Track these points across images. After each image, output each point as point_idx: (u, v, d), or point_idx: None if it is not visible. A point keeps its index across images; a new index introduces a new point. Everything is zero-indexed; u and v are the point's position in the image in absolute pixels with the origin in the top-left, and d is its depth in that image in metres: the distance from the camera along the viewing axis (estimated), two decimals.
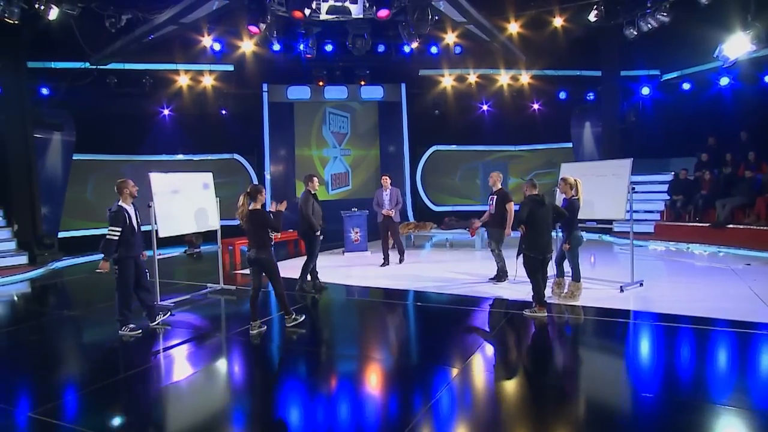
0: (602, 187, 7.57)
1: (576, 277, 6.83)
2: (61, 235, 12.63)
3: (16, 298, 8.57)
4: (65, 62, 11.89)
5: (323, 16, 7.80)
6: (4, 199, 11.52)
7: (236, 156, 16.16)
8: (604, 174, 7.63)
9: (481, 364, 4.74)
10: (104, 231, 5.89)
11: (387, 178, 9.69)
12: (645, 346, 5.28)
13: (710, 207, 11.47)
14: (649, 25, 9.68)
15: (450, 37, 12.40)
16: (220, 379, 4.80)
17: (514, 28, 11.68)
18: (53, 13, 8.92)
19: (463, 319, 6.47)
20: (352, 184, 17.13)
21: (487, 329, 6.03)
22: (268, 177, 16.10)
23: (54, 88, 12.29)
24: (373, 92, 16.89)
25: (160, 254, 7.16)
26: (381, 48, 14.47)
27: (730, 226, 10.88)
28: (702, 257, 10.19)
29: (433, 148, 17.32)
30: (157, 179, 7.07)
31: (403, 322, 6.59)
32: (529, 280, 6.26)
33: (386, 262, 9.75)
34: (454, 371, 4.52)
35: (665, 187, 12.94)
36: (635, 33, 10.12)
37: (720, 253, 10.26)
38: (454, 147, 17.33)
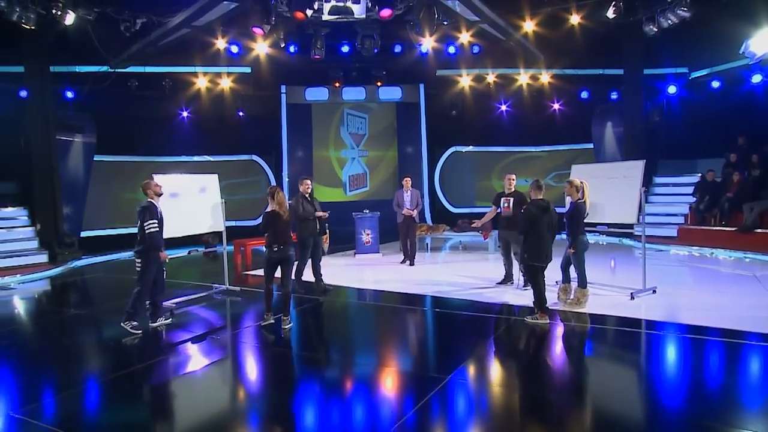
0: (613, 189, 7.27)
1: (582, 283, 6.58)
2: (83, 234, 12.97)
3: (32, 295, 8.79)
4: (87, 66, 12.15)
5: (326, 17, 7.75)
6: (28, 199, 11.89)
7: (255, 157, 16.28)
8: (616, 176, 7.32)
9: (470, 373, 4.58)
10: (123, 231, 6.01)
11: (408, 179, 9.85)
12: (649, 359, 5.02)
13: (737, 210, 10.94)
14: (670, 21, 9.30)
15: (465, 37, 12.18)
16: (197, 384, 4.78)
17: (530, 26, 11.41)
18: (69, 18, 9.14)
19: (462, 325, 6.31)
20: (369, 186, 17.05)
21: (485, 336, 5.83)
22: (286, 179, 16.16)
23: (76, 91, 12.61)
24: (392, 93, 16.78)
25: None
26: (398, 48, 14.39)
27: (758, 230, 10.35)
28: (726, 263, 9.72)
29: (452, 149, 17.09)
30: (160, 181, 7.11)
31: (397, 327, 6.46)
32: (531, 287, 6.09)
33: (407, 258, 10.00)
34: (441, 380, 4.38)
35: (691, 189, 12.42)
36: (655, 29, 9.74)
37: (746, 259, 9.77)
38: (473, 148, 17.06)
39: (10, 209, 11.71)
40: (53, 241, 11.22)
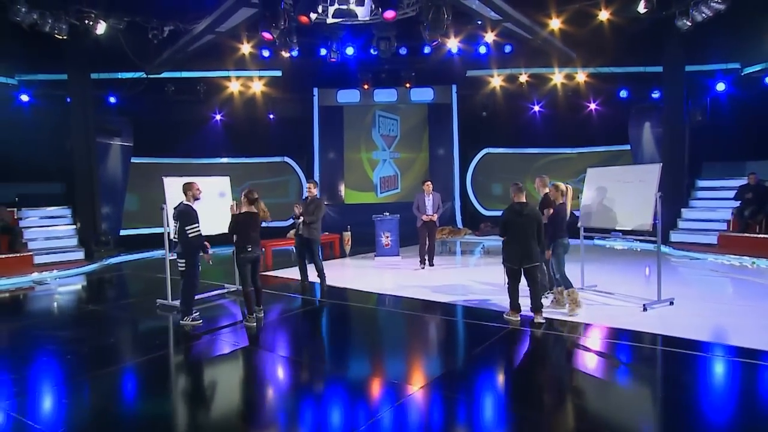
0: (628, 194, 6.89)
1: (566, 285, 6.44)
2: (123, 233, 13.62)
3: (61, 290, 9.28)
4: (125, 73, 12.72)
5: (330, 20, 7.75)
6: (72, 199, 12.60)
7: (287, 159, 16.56)
8: (630, 180, 6.92)
9: (444, 383, 4.42)
10: (160, 230, 6.37)
11: (430, 183, 9.82)
12: (645, 377, 4.69)
13: None
14: (703, 15, 8.70)
15: (490, 36, 11.91)
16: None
17: (556, 24, 11.00)
18: (101, 28, 9.59)
19: (455, 333, 6.17)
20: (401, 188, 16.97)
21: (474, 345, 5.64)
22: (317, 180, 16.34)
23: (115, 96, 13.25)
24: (423, 94, 16.66)
25: (172, 255, 7.44)
26: (427, 49, 14.24)
27: None
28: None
29: (485, 150, 16.74)
30: (169, 183, 7.34)
31: (387, 332, 6.40)
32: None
33: (423, 264, 9.94)
34: (411, 389, 4.26)
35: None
36: (689, 23, 9.15)
37: None
38: (505, 149, 16.65)
39: (54, 209, 12.43)
40: (90, 239, 11.82)
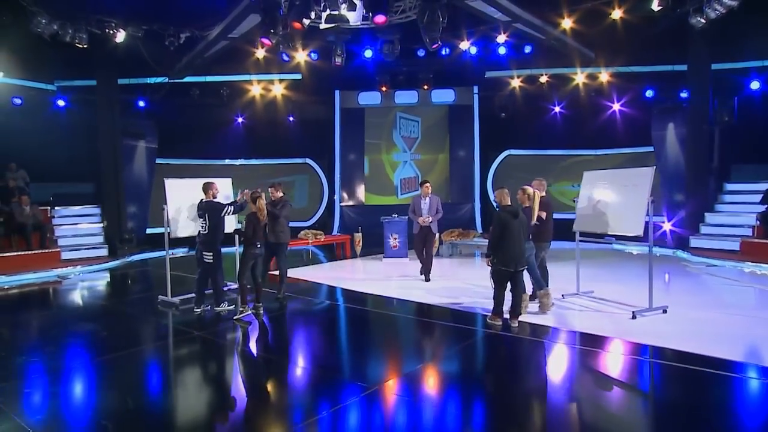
0: (620, 198, 6.70)
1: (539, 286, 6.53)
2: (149, 231, 14.23)
3: (81, 285, 9.81)
4: (149, 78, 13.28)
5: (323, 26, 7.87)
6: (101, 199, 13.27)
7: (308, 160, 16.85)
8: (624, 184, 6.73)
9: (403, 384, 4.46)
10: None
11: (429, 184, 8.96)
12: (602, 385, 4.57)
13: None
14: (717, 12, 8.33)
15: (501, 38, 11.78)
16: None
17: (569, 23, 10.75)
18: (120, 37, 10.06)
19: (433, 334, 6.20)
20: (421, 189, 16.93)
21: (447, 348, 5.64)
22: (338, 182, 16.55)
23: (142, 100, 13.88)
24: (444, 96, 16.60)
25: (172, 254, 7.76)
26: (445, 51, 14.16)
27: None
28: None
29: (506, 152, 16.52)
30: (171, 184, 7.65)
31: (363, 333, 6.50)
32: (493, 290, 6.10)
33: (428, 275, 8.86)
34: (369, 390, 4.32)
35: None
36: (703, 21, 8.77)
37: None
38: (527, 151, 16.37)
39: (84, 207, 13.12)
40: (115, 236, 12.41)
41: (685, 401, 4.14)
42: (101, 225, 12.81)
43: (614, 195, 6.79)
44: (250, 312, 6.75)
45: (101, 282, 10.14)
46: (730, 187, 12.46)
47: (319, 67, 14.13)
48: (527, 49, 13.82)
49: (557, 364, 5.12)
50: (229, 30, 10.26)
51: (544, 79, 14.61)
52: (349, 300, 7.94)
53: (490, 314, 6.17)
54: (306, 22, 7.36)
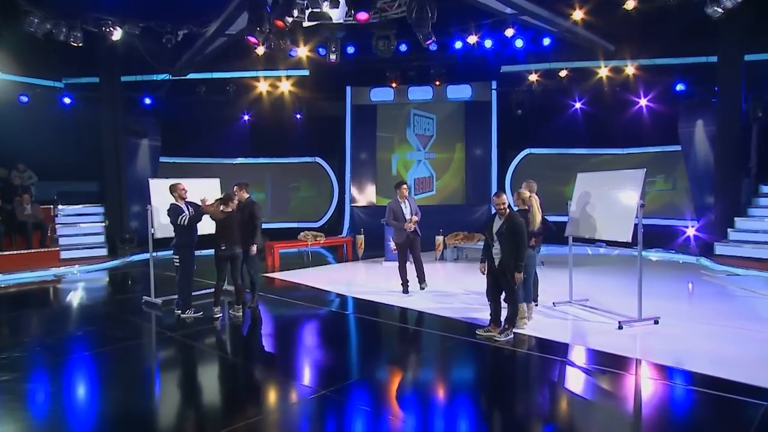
0: (612, 202, 6.71)
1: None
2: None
3: (76, 285, 10.37)
4: (150, 75, 13.85)
5: (306, 23, 8.11)
6: (104, 198, 13.93)
7: (318, 159, 17.18)
8: (616, 187, 6.72)
9: (353, 389, 4.65)
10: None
11: (405, 186, 8.64)
12: (562, 395, 4.65)
13: None
14: (733, 2, 8.19)
15: (509, 31, 11.84)
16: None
17: (585, 14, 10.70)
18: (117, 34, 10.58)
19: (405, 340, 6.42)
20: (435, 190, 17.06)
21: (420, 356, 5.81)
22: (348, 182, 16.80)
23: (145, 98, 14.50)
24: (460, 91, 16.64)
25: (155, 255, 8.18)
26: (458, 44, 14.23)
27: None
28: None
29: (526, 151, 16.46)
30: (155, 184, 8.06)
31: (330, 336, 6.74)
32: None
33: (407, 286, 8.48)
34: (321, 393, 4.54)
35: None
36: (720, 11, 8.63)
37: None
38: (548, 150, 16.26)
39: (88, 206, 13.77)
40: (116, 236, 13.01)
41: (626, 411, 4.20)
42: (103, 224, 13.44)
43: (605, 198, 6.80)
44: (219, 314, 7.04)
45: (95, 282, 10.69)
46: (766, 189, 12.11)
47: (328, 62, 14.40)
48: (546, 42, 13.79)
49: (511, 373, 5.25)
50: (226, 26, 10.64)
51: (563, 73, 14.51)
52: (331, 304, 8.18)
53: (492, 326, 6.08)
54: (289, 20, 7.62)
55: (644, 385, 4.71)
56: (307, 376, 5.23)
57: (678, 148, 13.46)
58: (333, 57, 10.57)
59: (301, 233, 12.22)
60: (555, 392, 4.75)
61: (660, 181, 14.78)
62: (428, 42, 8.67)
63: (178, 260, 7.02)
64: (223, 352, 6.07)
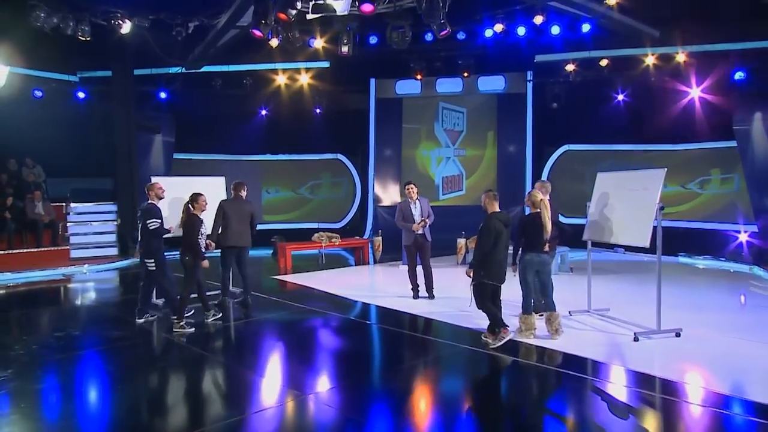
0: (630, 204, 6.64)
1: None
2: None
3: (81, 285, 10.88)
4: (162, 69, 14.38)
5: (310, 16, 8.26)
6: (117, 196, 14.55)
7: (339, 156, 17.42)
8: (635, 188, 6.65)
9: (339, 393, 4.80)
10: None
11: (413, 186, 8.60)
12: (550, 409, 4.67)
13: None
14: None
15: (539, 19, 11.78)
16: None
17: None
18: (126, 27, 11.04)
19: (396, 345, 6.54)
20: (465, 189, 17.04)
21: (410, 362, 5.91)
22: (371, 180, 16.97)
23: (159, 92, 15.06)
24: (493, 83, 16.57)
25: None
26: (489, 32, 14.19)
27: None
28: None
29: (564, 147, 16.25)
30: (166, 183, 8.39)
31: (324, 342, 6.88)
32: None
33: (417, 292, 8.64)
34: (307, 397, 4.71)
35: None
36: None
37: None
38: (589, 146, 16.00)
39: (101, 204, 14.38)
40: (127, 235, 13.57)
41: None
42: (115, 223, 14.03)
43: (623, 200, 6.73)
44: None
45: (103, 282, 11.18)
46: None
47: (340, 54, 14.61)
48: (585, 28, 13.58)
49: (509, 383, 5.29)
50: (236, 18, 10.92)
51: (604, 62, 14.28)
52: (333, 308, 8.34)
53: (486, 332, 6.24)
54: (293, 12, 7.82)
55: (630, 398, 4.69)
56: (293, 379, 5.41)
57: (734, 144, 13.05)
58: (345, 49, 10.73)
59: (315, 234, 12.45)
60: (538, 405, 4.77)
61: (715, 180, 14.36)
62: (443, 33, 8.74)
63: (152, 264, 7.09)
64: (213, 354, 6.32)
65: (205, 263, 6.98)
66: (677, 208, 14.57)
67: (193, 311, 7.37)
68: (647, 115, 14.76)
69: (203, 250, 7.05)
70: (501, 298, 6.32)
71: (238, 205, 8.11)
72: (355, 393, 5.03)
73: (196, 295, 7.19)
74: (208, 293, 7.40)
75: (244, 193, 8.21)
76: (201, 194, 7.03)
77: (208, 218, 7.49)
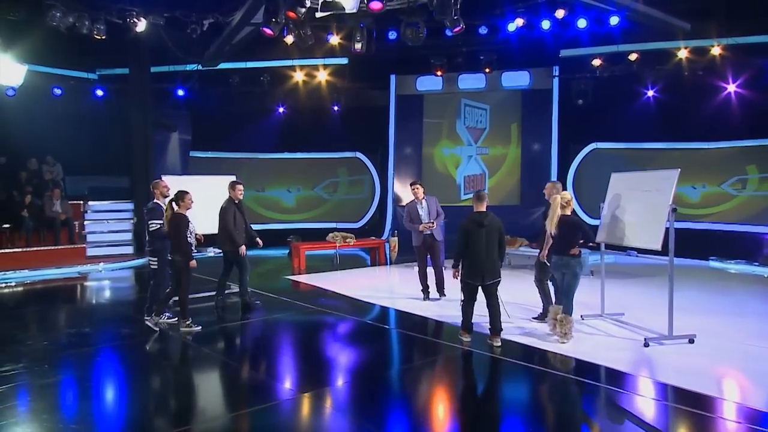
0: (643, 205, 6.73)
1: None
2: None
3: (92, 284, 11.37)
4: (179, 66, 14.83)
5: (319, 14, 8.49)
6: (135, 194, 15.07)
7: (358, 154, 17.68)
8: (648, 189, 6.74)
9: (336, 393, 5.04)
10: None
11: (419, 186, 8.78)
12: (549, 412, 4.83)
13: None
14: None
15: (560, 13, 11.85)
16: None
17: None
18: (141, 25, 11.48)
19: (392, 346, 6.76)
20: (488, 188, 17.11)
21: (404, 362, 6.12)
22: (391, 179, 17.19)
23: (176, 89, 15.53)
24: (517, 79, 16.64)
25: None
26: (511, 27, 14.29)
27: None
28: None
29: (592, 145, 16.21)
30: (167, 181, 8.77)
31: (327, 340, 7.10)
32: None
33: (427, 293, 8.87)
34: (287, 395, 4.97)
35: None
36: None
37: None
38: (619, 144, 15.94)
39: (118, 203, 14.95)
40: (143, 234, 14.03)
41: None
42: (131, 221, 14.55)
43: (636, 201, 6.82)
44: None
45: (117, 280, 11.65)
46: None
47: (353, 52, 14.83)
48: (613, 21, 13.58)
49: (511, 385, 5.46)
50: (250, 15, 11.26)
51: (633, 56, 14.23)
52: (340, 308, 8.58)
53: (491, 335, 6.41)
54: (302, 10, 8.08)
55: (628, 403, 4.81)
56: (286, 377, 5.67)
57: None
58: (359, 46, 10.98)
59: (330, 234, 12.73)
60: (537, 407, 4.94)
61: (752, 180, 14.19)
62: (456, 29, 8.91)
63: (156, 263, 7.31)
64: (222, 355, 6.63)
65: (193, 263, 7.01)
66: (713, 209, 14.48)
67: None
68: (680, 112, 14.65)
69: (193, 249, 7.11)
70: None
71: (238, 206, 8.42)
72: (355, 393, 5.26)
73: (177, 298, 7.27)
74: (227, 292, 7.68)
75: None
76: (187, 192, 7.05)
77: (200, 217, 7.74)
